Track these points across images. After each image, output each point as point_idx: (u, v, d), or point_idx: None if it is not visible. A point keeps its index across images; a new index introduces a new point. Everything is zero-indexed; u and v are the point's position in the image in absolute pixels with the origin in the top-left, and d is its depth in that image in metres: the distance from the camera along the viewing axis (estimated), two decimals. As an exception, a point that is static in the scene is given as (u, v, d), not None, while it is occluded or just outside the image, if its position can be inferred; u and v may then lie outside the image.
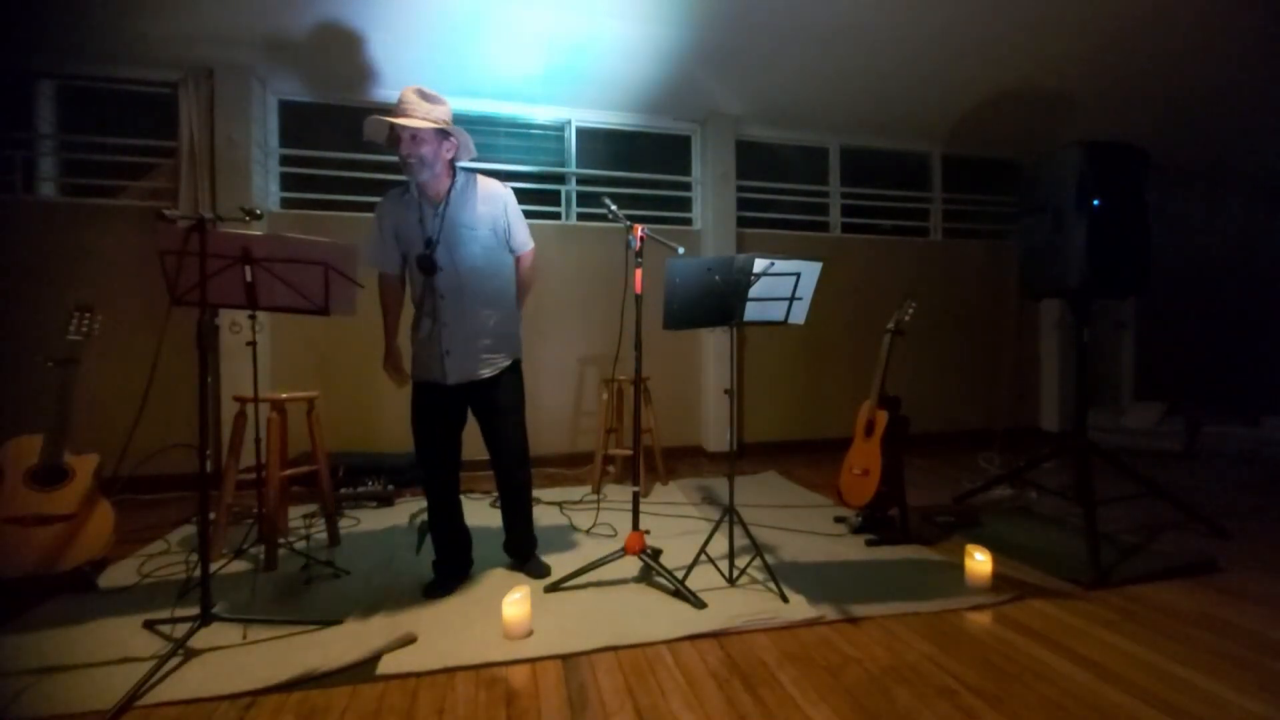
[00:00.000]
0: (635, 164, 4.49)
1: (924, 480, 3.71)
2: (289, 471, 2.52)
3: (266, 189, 3.80)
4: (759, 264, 2.07)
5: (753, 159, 4.66)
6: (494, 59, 3.67)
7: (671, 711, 1.46)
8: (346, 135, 3.89)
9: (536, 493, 3.19)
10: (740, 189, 4.53)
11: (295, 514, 2.94)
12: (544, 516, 2.93)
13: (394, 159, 2.04)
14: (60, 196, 3.59)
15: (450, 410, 2.15)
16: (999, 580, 2.16)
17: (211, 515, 2.05)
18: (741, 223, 4.54)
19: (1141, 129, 4.37)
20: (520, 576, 2.24)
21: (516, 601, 1.78)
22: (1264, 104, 4.48)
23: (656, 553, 2.25)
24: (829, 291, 4.26)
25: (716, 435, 4.41)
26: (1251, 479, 3.77)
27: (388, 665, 1.64)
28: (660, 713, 1.45)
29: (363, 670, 1.63)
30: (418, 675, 1.61)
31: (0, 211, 3.37)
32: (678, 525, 2.85)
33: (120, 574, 2.28)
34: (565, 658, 1.70)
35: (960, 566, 2.20)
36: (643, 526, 2.20)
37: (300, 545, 2.46)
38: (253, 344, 2.23)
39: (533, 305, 3.99)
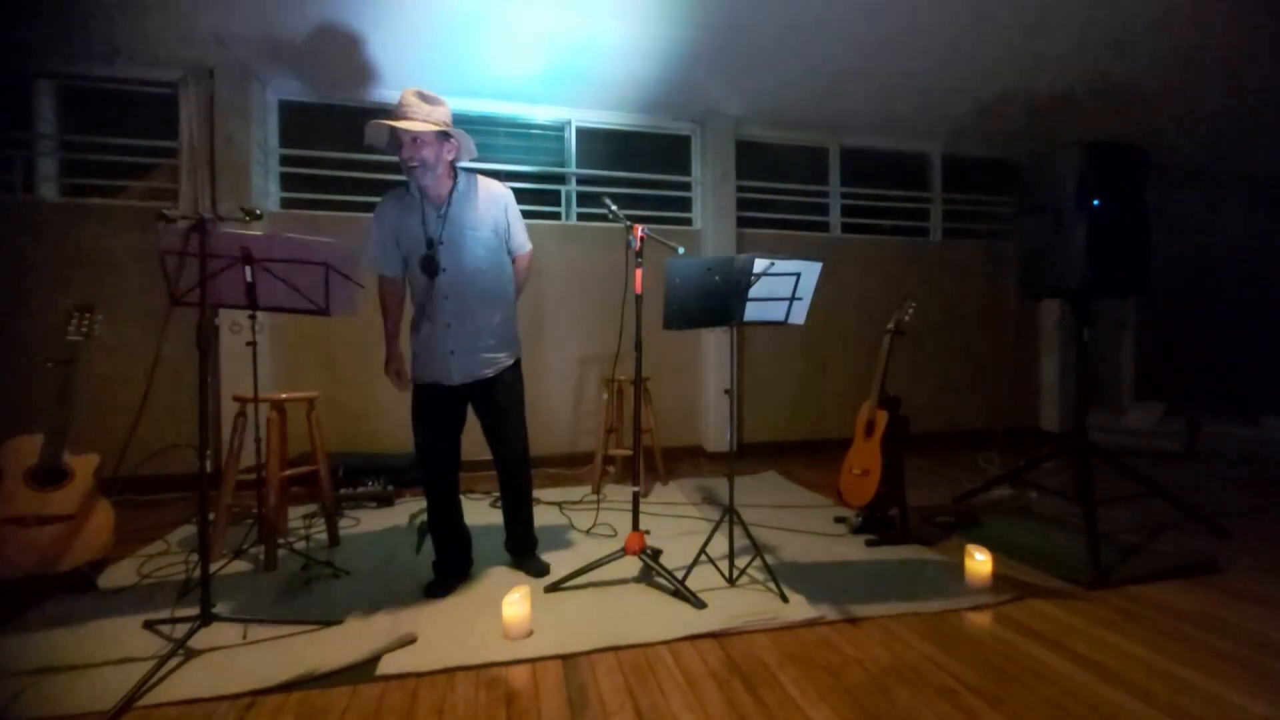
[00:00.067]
0: (635, 164, 4.49)
1: (924, 480, 3.71)
2: (289, 471, 2.51)
3: (266, 189, 3.80)
4: (759, 264, 2.07)
5: (753, 159, 4.66)
6: (494, 59, 3.67)
7: (671, 712, 1.46)
8: (346, 135, 3.89)
9: (536, 493, 3.18)
10: (740, 189, 4.53)
11: (295, 514, 2.94)
12: (544, 516, 2.92)
13: (394, 160, 2.04)
14: (60, 196, 3.59)
15: (452, 411, 2.15)
16: (999, 580, 2.16)
17: (211, 515, 2.05)
18: (741, 223, 4.54)
19: (1141, 129, 4.37)
20: (520, 576, 2.24)
21: (516, 601, 1.78)
22: (1264, 104, 4.48)
23: (656, 553, 2.25)
24: (829, 291, 4.26)
25: (716, 435, 4.41)
26: (1251, 479, 3.77)
27: (388, 665, 1.64)
28: (660, 713, 1.45)
29: (363, 670, 1.63)
30: (418, 675, 1.61)
31: (0, 211, 3.37)
32: (678, 525, 2.85)
33: (120, 574, 2.28)
34: (565, 658, 1.70)
35: (960, 566, 2.20)
36: (643, 526, 2.21)
37: (300, 545, 2.46)
38: (253, 344, 2.23)
39: (533, 305, 4.01)
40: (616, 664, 1.67)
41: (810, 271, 2.15)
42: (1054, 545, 2.53)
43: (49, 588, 2.06)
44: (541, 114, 4.26)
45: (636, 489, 2.23)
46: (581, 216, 4.36)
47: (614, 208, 2.17)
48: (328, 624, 1.86)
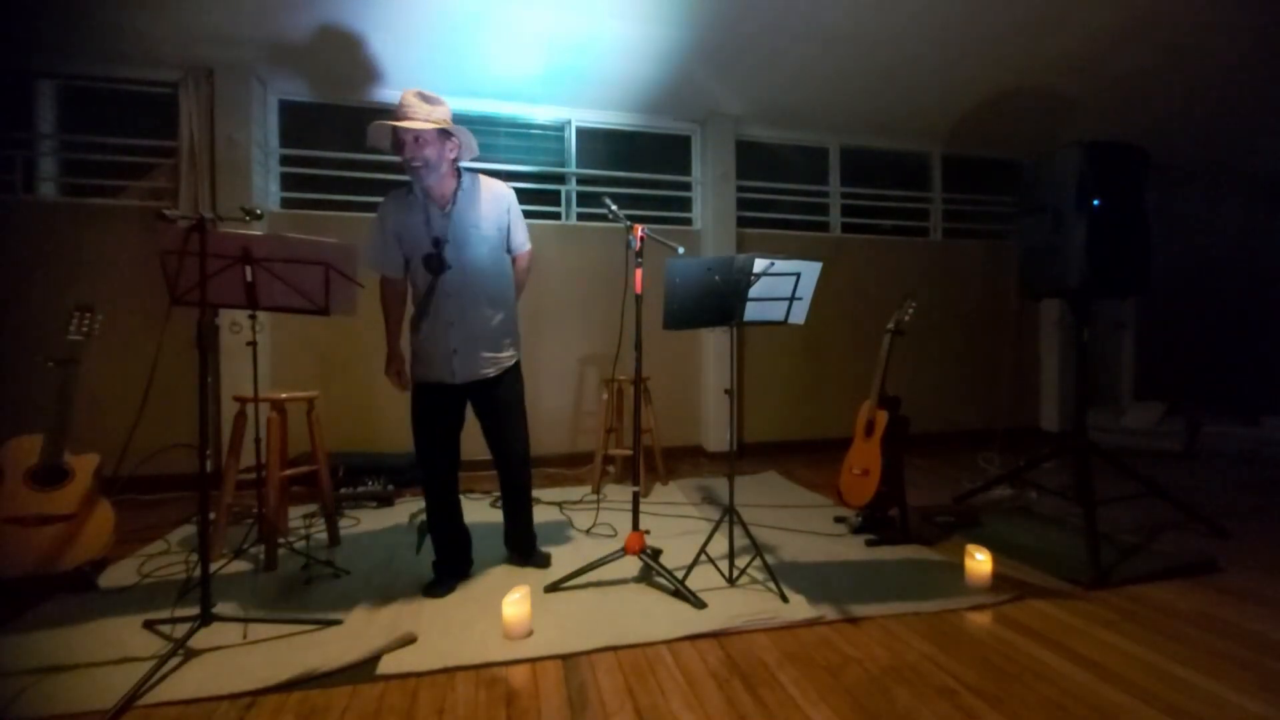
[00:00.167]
0: (635, 164, 4.49)
1: (924, 480, 3.71)
2: (289, 471, 2.52)
3: (266, 189, 3.80)
4: (759, 264, 2.07)
5: (753, 159, 4.66)
6: (494, 59, 3.67)
7: (671, 711, 1.46)
8: (346, 135, 3.89)
9: (536, 492, 3.19)
10: (740, 189, 4.53)
11: (295, 514, 2.94)
12: (544, 516, 2.92)
13: (394, 159, 2.04)
14: (60, 196, 3.59)
15: (452, 410, 2.15)
16: (999, 580, 2.16)
17: (211, 515, 2.05)
18: (741, 223, 4.54)
19: (1141, 129, 4.37)
20: (520, 576, 2.24)
21: (516, 601, 1.78)
22: (1264, 104, 4.48)
23: (656, 553, 2.25)
24: (829, 291, 4.27)
25: (716, 435, 4.41)
26: (1251, 479, 3.77)
27: (388, 665, 1.64)
28: (660, 713, 1.45)
29: (363, 670, 1.63)
30: (418, 675, 1.61)
31: (0, 211, 3.37)
32: (678, 525, 2.85)
33: (120, 574, 2.28)
34: (565, 658, 1.70)
35: (960, 566, 2.20)
36: (643, 526, 2.20)
37: (300, 545, 2.46)
38: (253, 344, 2.23)
39: (533, 305, 4.00)
40: (616, 663, 1.67)
41: (810, 271, 2.15)
42: (1054, 545, 2.53)
43: (49, 587, 2.07)
44: (541, 114, 4.26)
45: (636, 489, 2.23)
46: (582, 216, 4.36)
47: (614, 208, 2.17)
48: (328, 624, 1.86)
